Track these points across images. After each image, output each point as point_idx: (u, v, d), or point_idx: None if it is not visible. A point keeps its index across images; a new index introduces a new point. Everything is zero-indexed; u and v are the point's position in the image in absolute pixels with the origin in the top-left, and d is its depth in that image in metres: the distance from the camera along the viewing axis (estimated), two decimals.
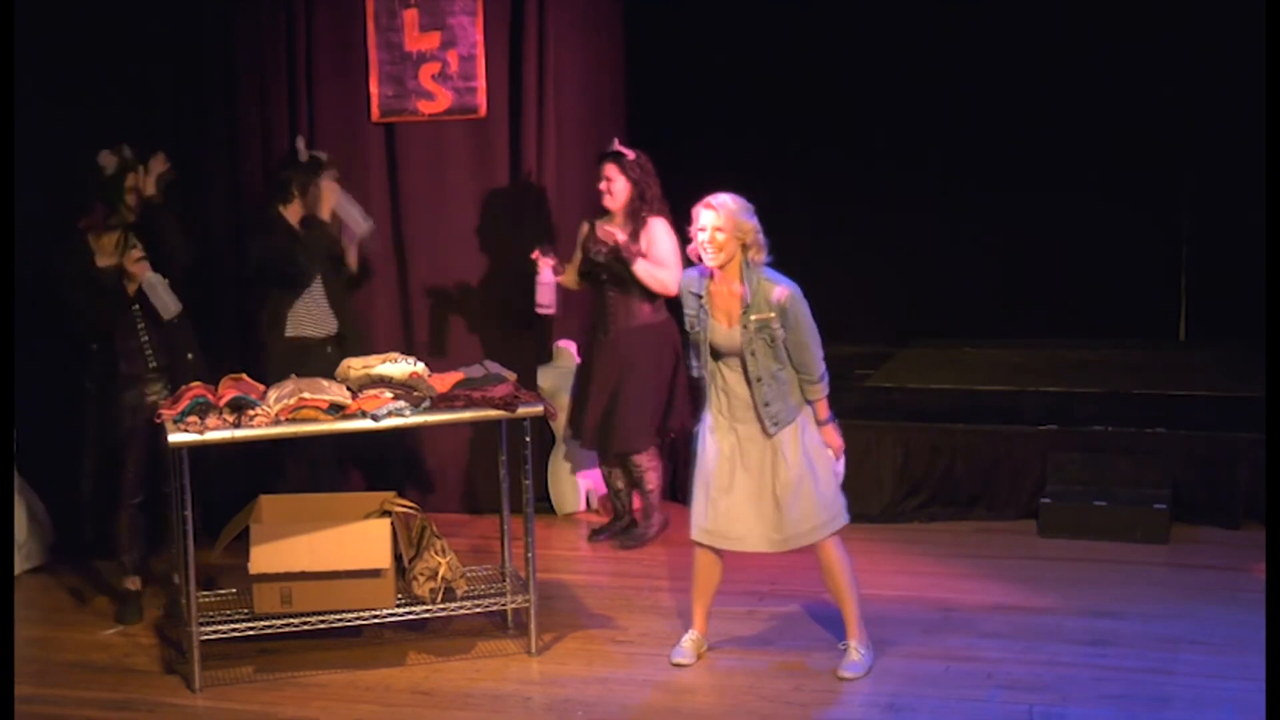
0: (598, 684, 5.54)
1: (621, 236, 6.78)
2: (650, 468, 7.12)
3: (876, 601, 6.25)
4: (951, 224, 8.87)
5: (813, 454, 5.49)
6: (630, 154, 6.88)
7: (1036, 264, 8.82)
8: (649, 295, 6.90)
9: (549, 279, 6.91)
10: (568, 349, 7.77)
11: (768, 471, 5.47)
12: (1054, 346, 8.64)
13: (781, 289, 5.40)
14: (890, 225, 8.92)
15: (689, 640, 5.75)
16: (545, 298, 6.94)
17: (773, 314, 5.38)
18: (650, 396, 6.98)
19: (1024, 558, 6.84)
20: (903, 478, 7.47)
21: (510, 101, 7.55)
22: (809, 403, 5.49)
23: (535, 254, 6.93)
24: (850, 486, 7.47)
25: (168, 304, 6.16)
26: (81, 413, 6.35)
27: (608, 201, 6.89)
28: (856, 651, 5.57)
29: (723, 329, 5.44)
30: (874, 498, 7.44)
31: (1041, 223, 8.77)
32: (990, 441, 7.45)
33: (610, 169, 6.87)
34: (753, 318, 5.38)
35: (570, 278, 7.09)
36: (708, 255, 5.39)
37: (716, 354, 5.49)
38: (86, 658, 5.98)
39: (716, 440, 5.54)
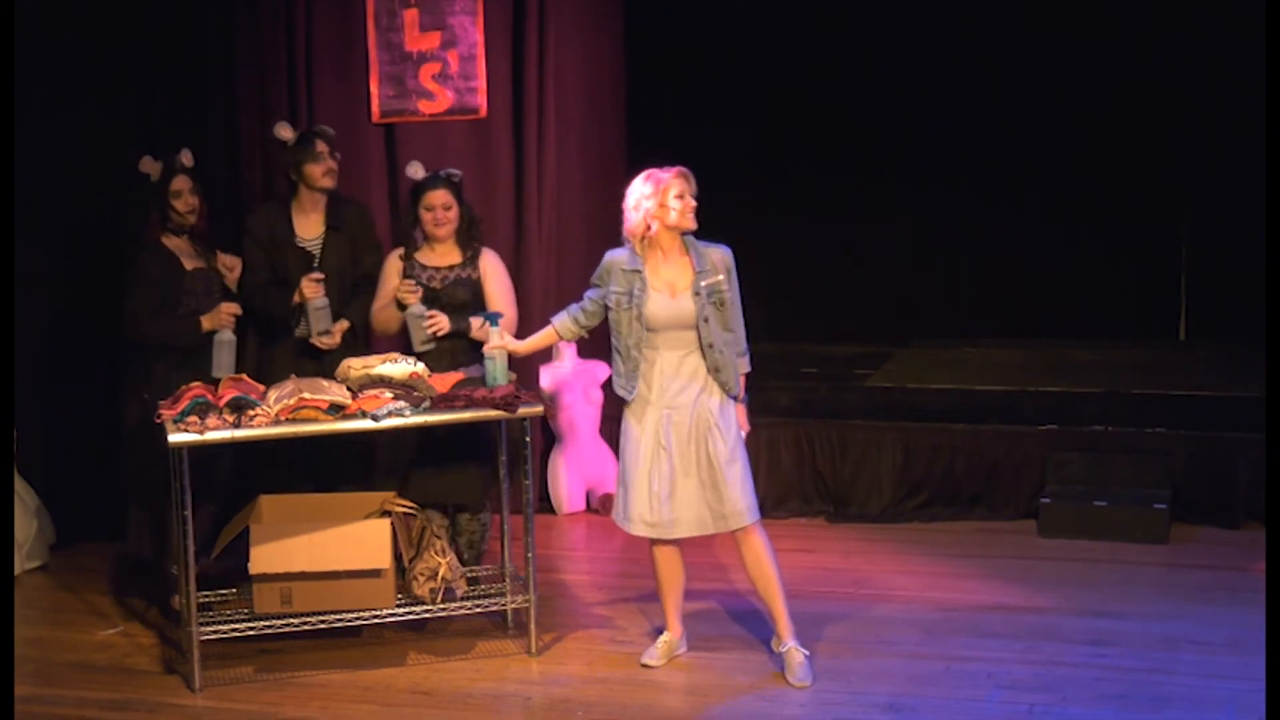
0: (598, 684, 5.53)
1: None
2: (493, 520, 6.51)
3: (876, 601, 6.26)
4: (952, 224, 8.86)
5: (739, 433, 5.45)
6: (458, 172, 6.29)
7: (1036, 264, 8.82)
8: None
9: (420, 311, 6.12)
10: (569, 349, 7.76)
11: (702, 445, 5.36)
12: (1054, 346, 8.63)
13: (721, 249, 5.46)
14: (890, 225, 8.92)
15: (662, 642, 5.68)
16: (421, 334, 6.14)
17: (721, 275, 5.39)
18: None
19: (1024, 558, 6.84)
20: (903, 478, 7.46)
21: (511, 102, 7.55)
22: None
23: (408, 287, 6.11)
24: (851, 486, 7.57)
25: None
26: (126, 420, 6.24)
27: (442, 231, 6.20)
28: (799, 652, 5.44)
29: (665, 299, 5.36)
30: (874, 498, 7.45)
31: (1041, 222, 8.77)
32: (990, 441, 7.45)
33: (444, 196, 6.16)
34: (704, 283, 5.36)
35: (389, 314, 6.22)
36: (690, 221, 5.40)
37: (652, 330, 5.38)
38: (86, 658, 5.97)
39: (640, 427, 5.42)
